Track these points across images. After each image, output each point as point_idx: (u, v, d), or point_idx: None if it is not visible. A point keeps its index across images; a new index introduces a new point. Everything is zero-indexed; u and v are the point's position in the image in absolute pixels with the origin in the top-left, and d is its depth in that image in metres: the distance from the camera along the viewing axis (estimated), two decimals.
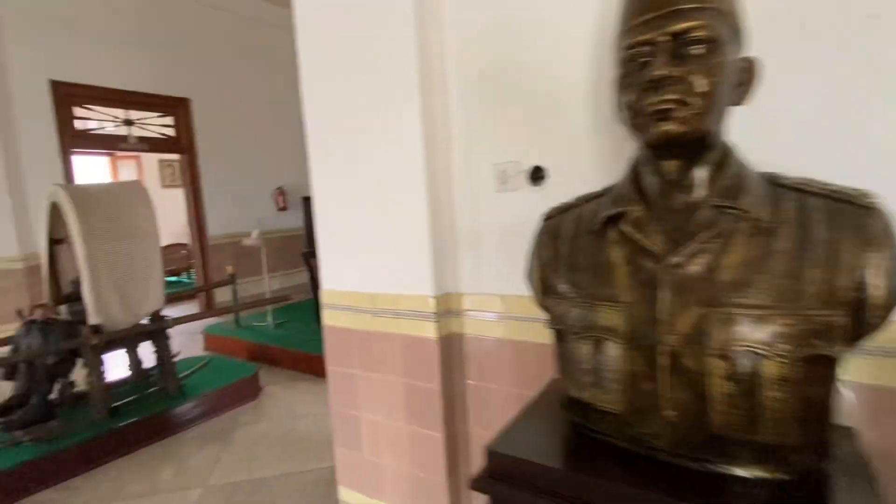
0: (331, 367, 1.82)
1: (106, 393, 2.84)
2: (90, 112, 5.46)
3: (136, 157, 9.84)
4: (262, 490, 2.42)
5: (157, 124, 6.04)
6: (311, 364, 3.89)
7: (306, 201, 7.75)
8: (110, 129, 5.66)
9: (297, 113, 6.80)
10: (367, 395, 1.70)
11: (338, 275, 1.75)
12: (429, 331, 1.49)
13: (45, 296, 3.09)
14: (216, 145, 6.53)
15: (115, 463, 2.73)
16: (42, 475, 2.50)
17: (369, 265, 1.63)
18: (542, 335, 1.34)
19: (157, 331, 3.08)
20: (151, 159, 10.25)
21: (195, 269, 6.68)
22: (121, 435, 2.78)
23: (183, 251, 8.48)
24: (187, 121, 6.22)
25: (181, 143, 6.23)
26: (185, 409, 3.08)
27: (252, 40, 6.95)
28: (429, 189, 1.45)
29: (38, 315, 2.85)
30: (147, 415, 2.91)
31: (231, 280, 4.37)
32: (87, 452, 2.64)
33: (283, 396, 3.50)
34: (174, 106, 6.11)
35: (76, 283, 2.98)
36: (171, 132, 6.15)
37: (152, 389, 3.15)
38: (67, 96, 5.20)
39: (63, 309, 2.93)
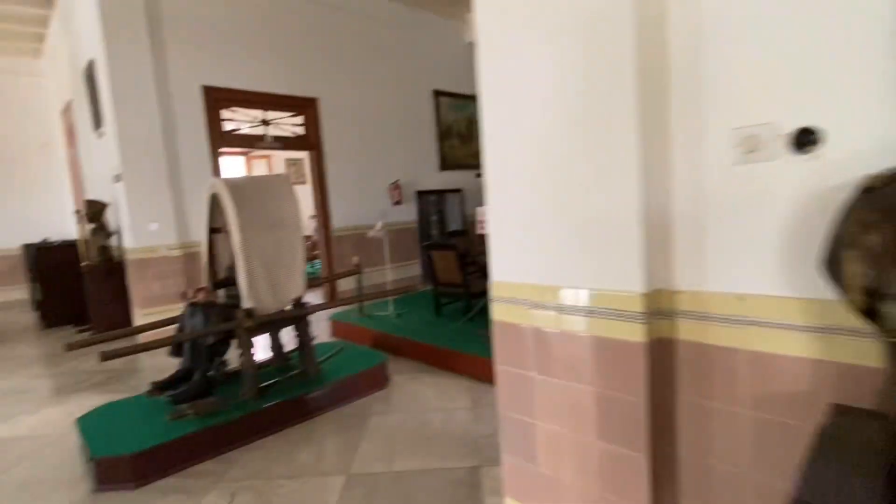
0: (501, 366, 1.65)
1: (255, 373, 2.96)
2: (233, 114, 5.93)
3: (267, 157, 10.67)
4: (404, 484, 2.34)
5: (288, 123, 6.42)
6: (435, 356, 3.83)
7: (420, 195, 7.86)
8: (246, 129, 6.11)
9: (416, 107, 6.83)
10: (545, 401, 1.50)
11: (513, 265, 1.56)
12: (634, 333, 1.25)
13: (204, 280, 3.33)
14: (341, 142, 6.79)
15: (262, 441, 2.83)
16: (202, 447, 2.65)
17: (558, 254, 1.42)
18: (799, 347, 1.03)
19: (300, 316, 3.17)
20: (279, 158, 11.09)
21: (321, 259, 7.02)
22: (267, 414, 2.88)
23: (307, 242, 9.00)
24: (315, 119, 6.54)
25: (310, 141, 6.57)
26: (322, 393, 3.14)
27: (376, 40, 7.15)
28: (640, 162, 1.20)
29: (200, 297, 3.06)
30: (289, 397, 3.00)
31: (357, 270, 4.46)
32: (239, 428, 2.77)
33: (410, 388, 3.45)
34: (304, 106, 6.45)
35: (231, 269, 3.16)
36: (301, 131, 6.51)
37: (293, 373, 3.25)
38: (216, 100, 5.68)
39: (221, 293, 3.11)
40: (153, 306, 5.18)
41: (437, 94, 8.12)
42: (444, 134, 8.29)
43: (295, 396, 3.02)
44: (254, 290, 2.91)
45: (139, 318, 5.34)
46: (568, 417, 1.43)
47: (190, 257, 5.49)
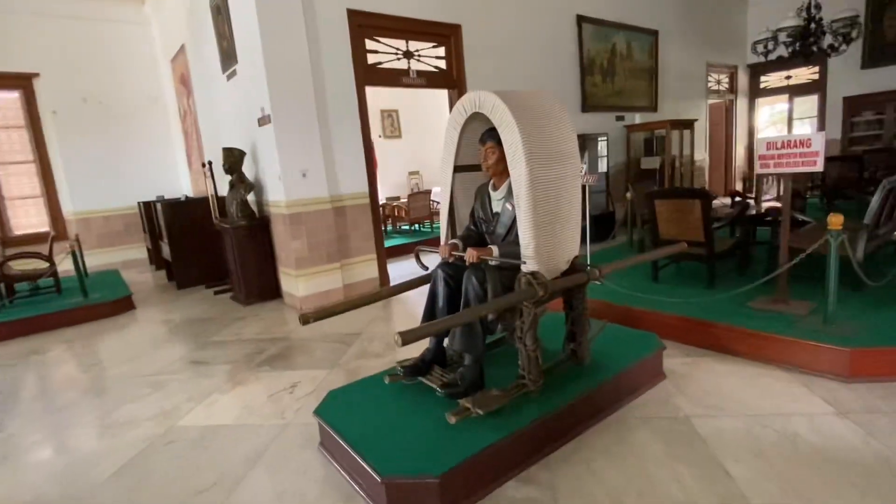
0: None
1: (539, 358, 2.19)
2: (376, 45, 5.09)
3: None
4: None
5: (431, 56, 5.52)
6: (712, 337, 2.95)
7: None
8: (389, 63, 5.26)
9: (558, 35, 5.48)
10: None
11: None
12: None
13: (443, 235, 2.56)
14: (483, 79, 5.83)
15: (562, 452, 2.09)
16: (507, 460, 1.94)
17: None
18: None
19: (579, 285, 2.34)
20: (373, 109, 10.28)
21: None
22: (562, 416, 2.12)
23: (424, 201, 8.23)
24: (458, 51, 5.59)
25: (451, 77, 5.65)
26: (611, 387, 2.35)
27: None
28: None
29: (451, 257, 2.30)
30: (582, 391, 2.22)
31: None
32: (539, 433, 2.03)
33: (705, 381, 2.60)
34: (446, 34, 5.51)
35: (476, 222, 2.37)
36: (442, 65, 5.59)
37: (560, 358, 2.47)
38: (360, 27, 4.84)
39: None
40: (306, 267, 4.58)
41: (581, 19, 6.91)
42: (587, 69, 7.12)
43: (584, 391, 2.24)
44: (540, 247, 2.10)
45: (288, 280, 4.78)
46: None
47: (340, 212, 4.82)
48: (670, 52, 8.44)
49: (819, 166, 2.82)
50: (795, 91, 10.42)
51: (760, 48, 6.08)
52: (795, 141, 2.88)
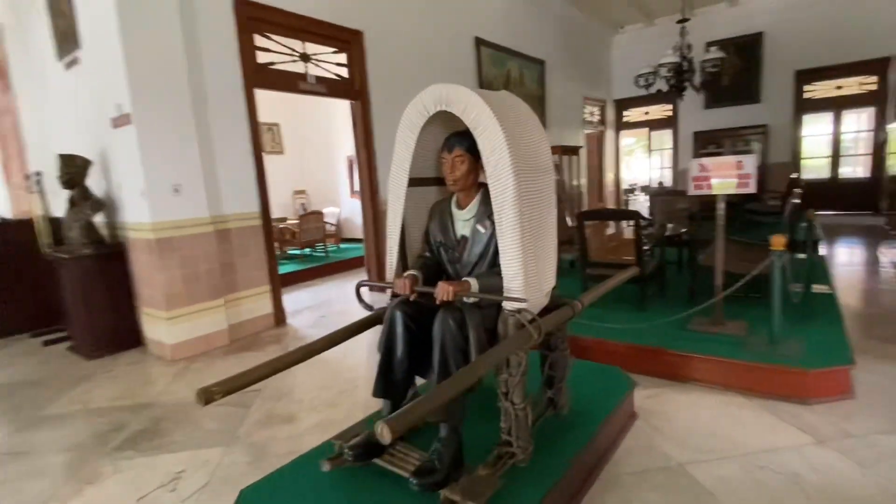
0: None
1: (531, 423, 1.76)
2: (270, 44, 4.38)
3: None
4: None
5: (331, 62, 4.94)
6: (658, 363, 2.80)
7: None
8: (283, 65, 4.58)
9: (457, 55, 5.51)
10: None
11: None
12: None
13: (392, 264, 2.01)
14: (388, 91, 5.41)
15: None
16: None
17: None
18: None
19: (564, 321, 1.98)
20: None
21: (365, 240, 5.62)
22: (559, 489, 1.71)
23: (320, 223, 7.44)
24: (360, 59, 5.11)
25: (354, 87, 5.13)
26: (598, 443, 2.01)
27: None
28: None
29: (409, 291, 1.79)
30: (572, 453, 1.84)
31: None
32: None
33: (671, 414, 2.40)
34: (347, 40, 5.00)
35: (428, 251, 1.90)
36: (344, 73, 5.05)
37: (539, 408, 2.07)
38: (250, 20, 4.12)
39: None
40: (180, 305, 3.64)
41: (479, 42, 6.88)
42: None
43: (577, 452, 1.86)
44: (529, 277, 1.69)
45: (154, 324, 3.76)
46: None
47: (223, 235, 3.97)
48: (555, 82, 8.87)
49: (752, 188, 2.87)
50: (653, 125, 11.72)
51: (643, 81, 6.57)
52: (729, 164, 2.91)
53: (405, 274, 1.86)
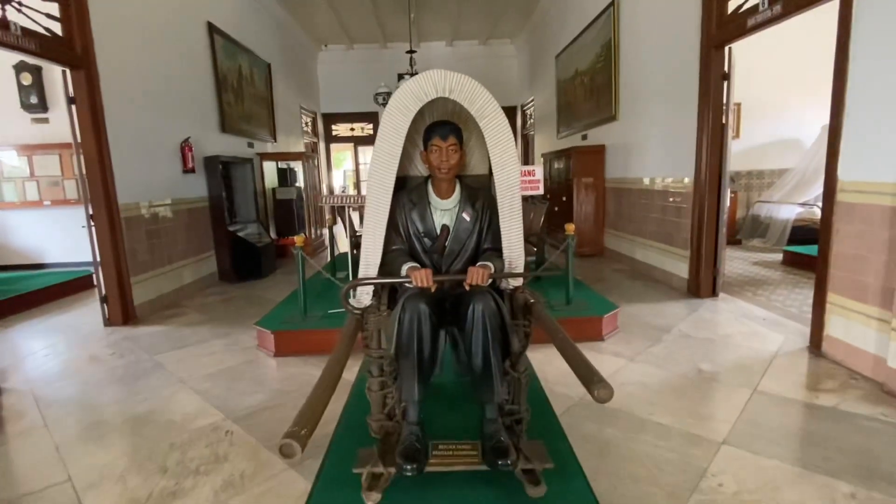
0: None
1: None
2: None
3: None
4: None
5: (41, 12, 3.53)
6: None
7: (209, 163, 5.65)
8: None
9: (189, 39, 6.41)
10: None
11: None
12: None
13: (375, 268, 1.80)
14: (124, 65, 4.25)
15: None
16: None
17: None
18: None
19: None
20: None
21: (102, 264, 4.16)
22: None
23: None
24: (82, 16, 3.84)
25: (73, 50, 3.80)
26: None
27: None
28: None
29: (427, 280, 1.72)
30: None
31: None
32: None
33: (551, 367, 2.99)
34: None
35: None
36: (57, 29, 3.68)
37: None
38: None
39: None
40: None
41: (212, 28, 6.09)
42: (222, 85, 6.31)
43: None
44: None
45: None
46: None
47: None
48: (279, 87, 8.60)
49: (540, 190, 3.81)
50: (358, 141, 12.76)
51: (381, 99, 7.24)
52: (525, 171, 3.77)
53: (412, 265, 1.76)
